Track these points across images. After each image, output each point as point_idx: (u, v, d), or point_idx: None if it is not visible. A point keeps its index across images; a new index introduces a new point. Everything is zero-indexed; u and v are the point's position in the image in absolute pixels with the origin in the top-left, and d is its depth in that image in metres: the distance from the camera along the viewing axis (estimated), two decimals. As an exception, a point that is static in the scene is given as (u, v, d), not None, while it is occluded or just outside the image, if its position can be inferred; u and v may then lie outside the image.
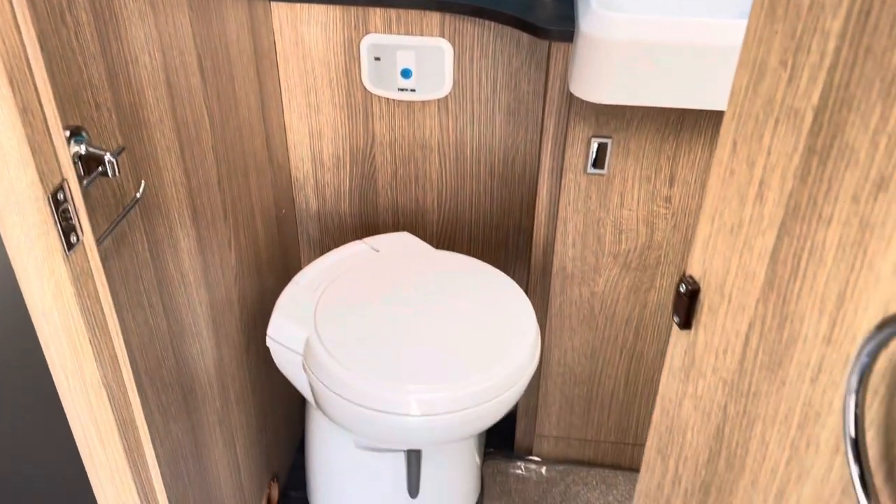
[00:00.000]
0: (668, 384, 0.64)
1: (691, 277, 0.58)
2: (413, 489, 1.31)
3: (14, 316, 0.93)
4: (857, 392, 0.36)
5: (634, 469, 1.58)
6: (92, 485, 0.83)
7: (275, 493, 1.48)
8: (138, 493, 0.84)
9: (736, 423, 0.54)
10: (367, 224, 1.50)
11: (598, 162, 1.24)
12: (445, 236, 1.50)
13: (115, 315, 0.75)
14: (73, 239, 0.68)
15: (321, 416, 1.32)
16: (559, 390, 1.50)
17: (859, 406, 0.36)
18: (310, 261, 1.57)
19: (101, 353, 0.74)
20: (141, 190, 0.85)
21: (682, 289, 0.58)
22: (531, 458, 1.61)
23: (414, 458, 1.27)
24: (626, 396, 1.49)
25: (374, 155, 1.41)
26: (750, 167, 0.49)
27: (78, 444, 0.80)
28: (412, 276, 1.30)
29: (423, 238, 1.50)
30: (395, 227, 1.50)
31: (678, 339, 0.61)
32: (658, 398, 0.66)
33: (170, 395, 1.00)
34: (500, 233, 1.47)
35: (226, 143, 1.12)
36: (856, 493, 0.36)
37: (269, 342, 1.24)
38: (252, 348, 1.31)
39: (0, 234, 0.65)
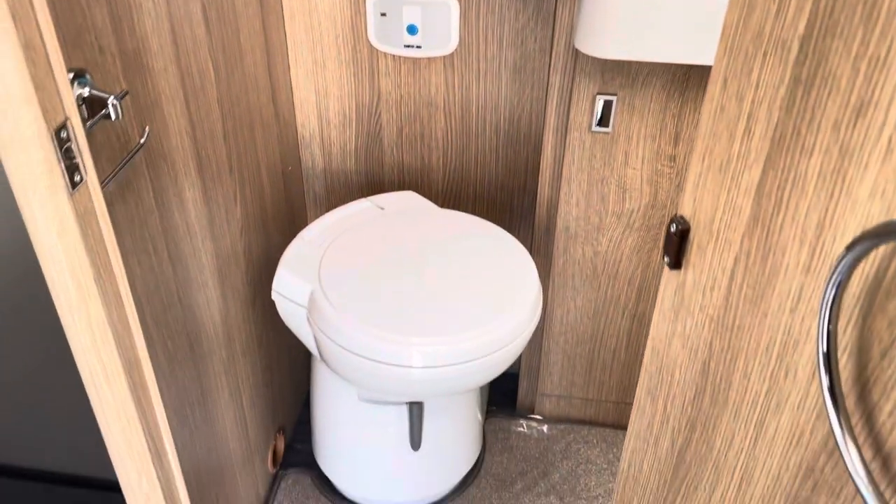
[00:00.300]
0: (659, 325, 0.65)
1: (682, 217, 0.59)
2: (415, 442, 1.33)
3: (22, 258, 0.96)
4: (831, 308, 0.36)
5: (635, 429, 1.60)
6: (99, 423, 0.86)
7: (281, 446, 1.51)
8: (144, 433, 0.86)
9: (720, 359, 0.55)
10: (373, 182, 1.51)
11: (603, 120, 1.24)
12: (451, 195, 1.50)
13: (119, 256, 0.76)
14: (76, 178, 0.69)
15: (326, 370, 1.35)
16: (561, 350, 1.52)
17: (832, 322, 0.36)
18: (315, 218, 1.58)
19: (106, 293, 0.76)
20: (145, 136, 0.86)
21: (673, 228, 0.59)
22: (533, 416, 1.63)
23: (416, 411, 1.29)
24: (627, 356, 1.50)
25: (380, 112, 1.42)
26: (739, 102, 0.49)
27: (84, 383, 0.82)
28: (417, 234, 1.31)
29: (429, 197, 1.51)
30: (401, 186, 1.51)
31: (668, 280, 0.62)
32: (649, 340, 0.67)
33: (176, 342, 1.03)
34: (505, 193, 1.48)
35: (231, 96, 1.13)
36: (826, 407, 0.37)
37: (274, 296, 1.26)
38: (258, 302, 1.33)
39: (6, 172, 0.67)
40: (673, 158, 1.26)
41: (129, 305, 0.80)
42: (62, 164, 0.67)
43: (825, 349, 0.36)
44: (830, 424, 0.36)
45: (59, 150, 0.66)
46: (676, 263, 0.60)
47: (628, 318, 1.45)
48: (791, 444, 0.47)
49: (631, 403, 1.58)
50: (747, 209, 0.50)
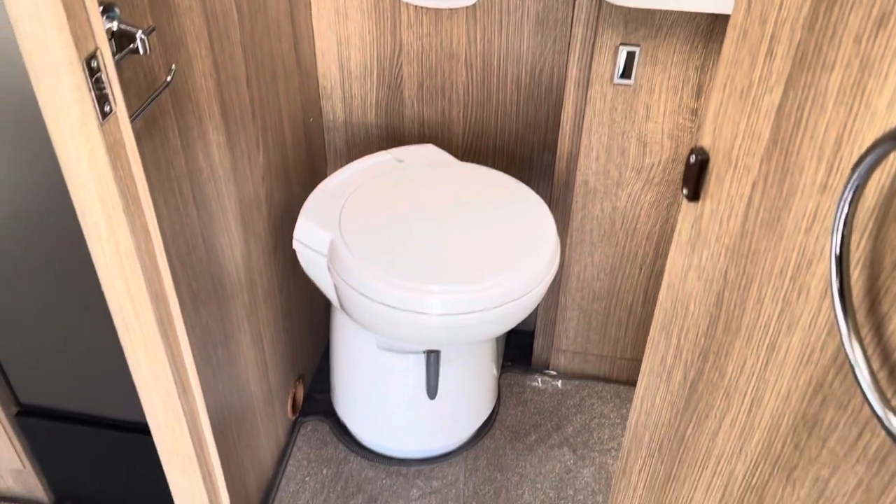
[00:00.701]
0: (675, 259, 0.65)
1: (701, 148, 0.59)
2: (431, 390, 1.36)
3: (51, 193, 0.98)
4: (847, 214, 0.37)
5: (649, 386, 1.61)
6: (126, 357, 0.88)
7: (300, 394, 1.54)
8: (170, 366, 0.89)
9: (735, 286, 0.56)
10: (393, 135, 1.52)
11: (626, 72, 1.23)
12: (470, 149, 1.51)
13: (147, 190, 0.78)
14: (106, 108, 0.71)
15: (345, 319, 1.37)
16: (577, 305, 1.53)
17: (847, 226, 0.37)
18: (335, 170, 1.59)
19: (135, 224, 0.78)
20: (171, 74, 0.87)
21: (692, 159, 0.59)
22: (548, 371, 1.65)
23: (433, 360, 1.32)
24: (643, 314, 1.51)
25: (402, 65, 1.42)
26: (762, 24, 0.49)
27: (113, 316, 0.85)
28: (436, 186, 1.32)
29: (448, 151, 1.52)
30: (421, 140, 1.51)
31: (686, 213, 0.63)
32: (665, 276, 0.68)
33: (200, 283, 1.05)
34: (525, 147, 1.48)
35: (254, 41, 1.14)
36: (835, 314, 0.38)
37: (295, 244, 1.28)
38: (279, 251, 1.35)
39: (37, 100, 0.68)
40: (695, 112, 1.25)
41: (156, 239, 0.82)
42: (93, 94, 0.68)
43: (838, 252, 0.37)
44: (839, 328, 0.37)
45: (89, 79, 0.67)
46: (695, 195, 0.60)
47: (646, 275, 1.46)
48: (801, 363, 0.48)
49: (646, 360, 1.59)
50: (766, 133, 0.50)
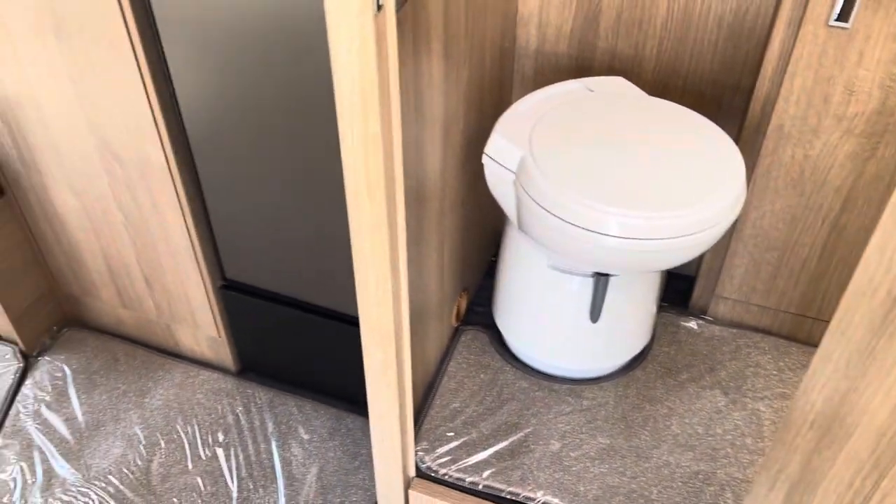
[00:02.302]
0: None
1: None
2: (595, 314, 1.42)
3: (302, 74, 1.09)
4: None
5: (812, 345, 1.59)
6: (351, 233, 0.99)
7: (463, 304, 1.65)
8: (389, 245, 0.99)
9: None
10: (582, 67, 1.55)
11: (844, 14, 1.19)
12: (658, 86, 1.52)
13: (397, 80, 0.87)
14: (380, 2, 0.79)
15: (517, 236, 1.44)
16: (748, 253, 1.52)
17: None
18: (520, 97, 1.65)
19: (384, 112, 0.87)
20: (420, -20, 0.95)
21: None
22: (705, 316, 1.66)
23: (602, 284, 1.37)
24: (818, 268, 1.49)
25: (603, -5, 1.44)
26: None
27: (347, 194, 0.95)
28: (625, 116, 1.35)
29: (636, 85, 1.53)
30: (610, 73, 1.53)
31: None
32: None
33: (408, 183, 1.15)
34: (717, 88, 1.47)
35: (477, -40, 1.20)
36: None
37: (484, 159, 1.36)
38: (467, 166, 1.44)
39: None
40: (914, 62, 1.20)
41: (396, 129, 0.92)
42: (373, -13, 0.77)
43: None
44: None
45: (373, -27, 0.76)
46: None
47: (827, 229, 1.43)
48: None
49: (811, 317, 1.57)
50: None
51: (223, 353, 1.68)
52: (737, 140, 1.43)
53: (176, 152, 1.30)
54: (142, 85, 1.21)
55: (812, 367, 0.79)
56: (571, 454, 1.41)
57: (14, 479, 1.47)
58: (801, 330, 1.59)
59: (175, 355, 1.73)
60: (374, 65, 0.82)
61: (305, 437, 1.53)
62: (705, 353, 1.58)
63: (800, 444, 0.86)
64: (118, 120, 1.27)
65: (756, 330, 1.63)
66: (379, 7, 0.79)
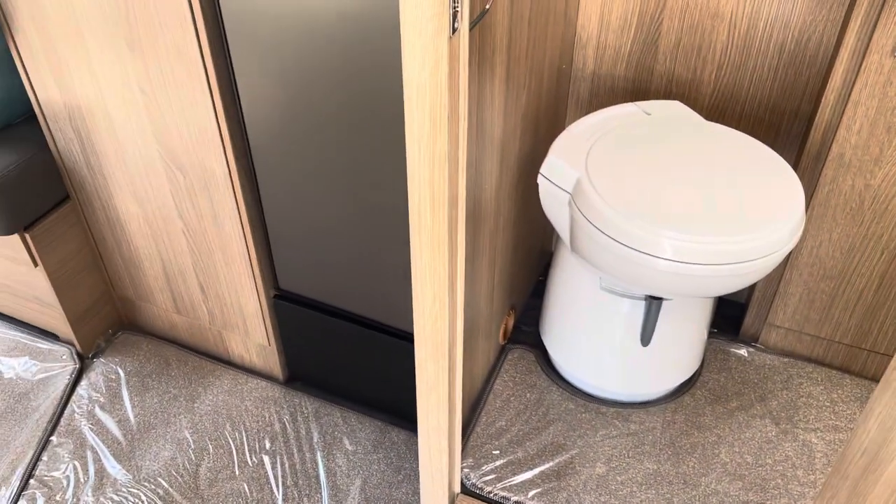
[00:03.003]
0: None
1: None
2: (646, 337, 1.41)
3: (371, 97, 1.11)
4: None
5: (865, 377, 1.56)
6: (412, 249, 1.01)
7: (510, 322, 1.65)
8: (448, 262, 1.01)
9: None
10: (638, 89, 1.55)
11: (912, 44, 1.18)
12: (715, 110, 1.51)
13: (466, 102, 0.89)
14: (455, 24, 0.81)
15: (568, 257, 1.45)
16: (804, 282, 1.50)
17: None
18: (575, 119, 1.66)
19: (452, 131, 0.89)
20: (490, 2, 0.97)
21: None
22: (756, 344, 1.64)
23: (654, 308, 1.36)
24: (875, 300, 1.46)
25: (662, 20, 1.44)
26: None
27: (410, 210, 0.97)
28: (682, 141, 1.34)
29: (693, 110, 1.53)
30: (667, 96, 1.53)
31: None
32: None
33: (467, 201, 1.16)
34: (776, 115, 1.46)
35: (540, -17, 1.22)
36: None
37: (540, 179, 1.36)
38: (520, 185, 1.45)
39: (400, 14, 0.80)
40: (984, 93, 1.18)
41: (462, 148, 0.94)
42: (451, 10, 0.79)
43: None
44: None
45: (451, -2, 0.78)
46: None
47: (887, 259, 1.40)
48: None
49: (866, 349, 1.54)
50: None
51: (272, 361, 1.71)
52: (795, 167, 1.42)
53: (238, 163, 1.33)
54: (209, 97, 1.24)
55: (874, 395, 0.78)
56: (618, 478, 1.40)
57: (67, 478, 1.51)
58: (855, 361, 1.56)
59: (225, 362, 1.76)
60: (445, 86, 0.84)
61: (350, 448, 1.55)
62: (756, 382, 1.56)
63: (850, 472, 0.84)
64: (183, 130, 1.31)
65: (808, 360, 1.60)
66: (454, 30, 0.81)
